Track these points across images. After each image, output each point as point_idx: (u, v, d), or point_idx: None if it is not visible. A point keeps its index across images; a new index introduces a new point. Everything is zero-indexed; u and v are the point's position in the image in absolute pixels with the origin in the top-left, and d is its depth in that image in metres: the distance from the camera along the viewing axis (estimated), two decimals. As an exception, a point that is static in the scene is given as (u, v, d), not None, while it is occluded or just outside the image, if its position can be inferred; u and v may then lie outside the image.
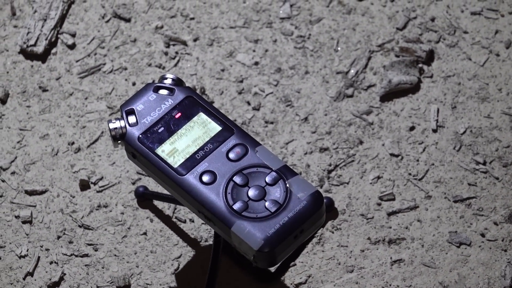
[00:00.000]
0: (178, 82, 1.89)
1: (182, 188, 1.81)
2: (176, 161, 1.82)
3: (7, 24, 2.29)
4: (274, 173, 1.81)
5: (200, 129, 1.86)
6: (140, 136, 1.84)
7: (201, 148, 1.83)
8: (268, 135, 2.19)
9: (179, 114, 1.86)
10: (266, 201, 1.78)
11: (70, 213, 2.14)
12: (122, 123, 1.84)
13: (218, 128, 1.85)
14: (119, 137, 1.84)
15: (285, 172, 1.81)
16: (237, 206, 1.78)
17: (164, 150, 1.83)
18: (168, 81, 1.89)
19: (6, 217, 2.13)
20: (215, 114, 1.86)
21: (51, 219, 2.13)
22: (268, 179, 1.80)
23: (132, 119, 1.85)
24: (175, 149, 1.84)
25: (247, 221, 1.77)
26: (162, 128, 1.85)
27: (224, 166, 1.82)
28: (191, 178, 1.81)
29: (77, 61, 2.26)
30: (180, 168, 1.82)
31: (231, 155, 1.82)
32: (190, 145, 1.84)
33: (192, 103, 1.87)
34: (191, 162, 1.82)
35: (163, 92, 1.88)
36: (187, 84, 1.90)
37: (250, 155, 1.82)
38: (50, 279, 2.08)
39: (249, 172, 1.82)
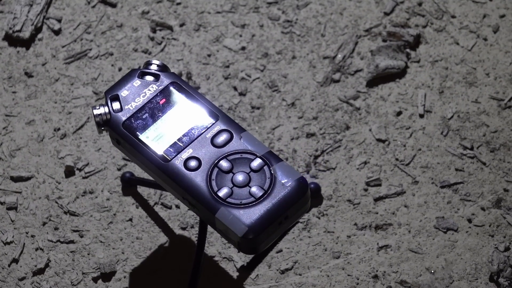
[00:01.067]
0: (163, 68, 1.90)
1: (167, 175, 1.82)
2: (160, 147, 1.83)
3: None
4: (259, 159, 1.82)
5: (184, 115, 1.86)
6: (125, 122, 1.85)
7: (186, 134, 1.84)
8: (254, 120, 2.19)
9: (164, 100, 1.87)
10: (250, 187, 1.80)
11: (56, 199, 2.15)
12: (106, 109, 1.84)
13: (203, 114, 1.86)
14: (104, 123, 1.85)
15: (270, 158, 1.81)
16: (221, 192, 1.79)
17: (148, 136, 1.84)
18: (153, 67, 1.90)
19: (-9, 204, 2.13)
20: (200, 100, 1.88)
21: (37, 206, 2.15)
22: (252, 165, 1.82)
23: (116, 105, 1.85)
24: (160, 135, 1.85)
25: (231, 208, 1.78)
26: (147, 114, 1.86)
27: (208, 152, 1.83)
28: (175, 164, 1.81)
29: (63, 47, 2.27)
30: (165, 154, 1.83)
31: (216, 141, 1.83)
32: (175, 131, 1.84)
33: (177, 89, 1.88)
34: (176, 148, 1.83)
35: (148, 78, 1.89)
36: (173, 70, 1.91)
37: (234, 141, 1.83)
38: (35, 266, 2.09)
39: (234, 158, 1.83)
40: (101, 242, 2.11)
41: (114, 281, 2.07)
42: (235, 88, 2.23)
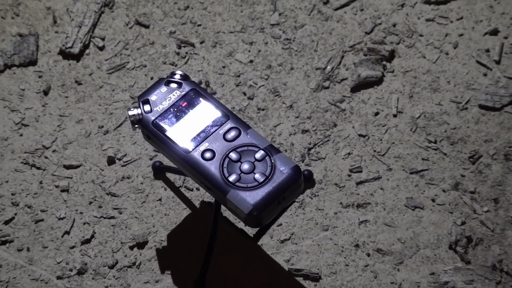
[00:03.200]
0: (185, 77, 1.90)
1: (188, 164, 1.82)
2: (182, 141, 1.83)
3: (50, 30, 2.29)
4: (261, 151, 1.81)
5: (202, 115, 1.86)
6: (154, 121, 1.85)
7: (203, 131, 1.84)
8: (260, 119, 2.19)
9: (185, 103, 1.87)
10: (255, 174, 1.79)
11: (100, 183, 2.14)
12: (139, 110, 1.85)
13: (216, 114, 1.86)
14: (137, 122, 1.85)
15: (271, 150, 1.82)
16: (231, 178, 1.79)
17: (173, 132, 1.84)
18: (177, 76, 1.89)
19: (48, 187, 2.13)
20: (215, 103, 1.87)
21: (84, 188, 2.14)
22: (256, 156, 1.81)
23: (147, 107, 1.86)
24: (182, 132, 1.84)
25: (239, 190, 1.78)
26: (171, 115, 1.86)
27: (221, 145, 1.82)
28: (194, 155, 1.81)
29: (106, 60, 2.26)
30: (186, 147, 1.82)
31: (227, 136, 1.83)
32: (194, 129, 1.85)
33: (196, 94, 1.88)
34: (195, 142, 1.83)
35: (173, 85, 1.88)
36: (194, 79, 1.91)
37: (242, 136, 1.83)
38: (83, 237, 2.08)
39: (242, 150, 1.82)
40: (136, 217, 2.10)
41: (146, 249, 2.06)
42: (244, 94, 2.22)
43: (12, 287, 2.03)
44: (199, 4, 2.32)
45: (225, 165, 1.81)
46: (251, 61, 2.27)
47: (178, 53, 2.28)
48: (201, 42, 2.29)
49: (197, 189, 2.13)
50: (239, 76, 2.25)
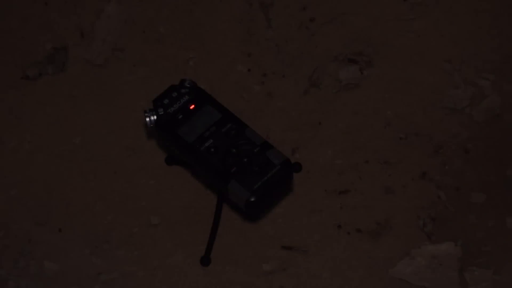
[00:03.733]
0: (193, 83, 1.90)
1: (195, 158, 1.84)
2: (190, 138, 1.84)
3: (78, 42, 2.28)
4: (258, 147, 1.82)
5: (207, 116, 1.87)
6: (166, 121, 1.86)
7: (207, 129, 1.84)
8: (257, 119, 2.18)
9: (193, 106, 1.87)
10: (252, 166, 1.80)
11: (122, 173, 2.14)
12: (153, 113, 1.86)
13: (219, 115, 1.86)
14: (152, 122, 1.86)
15: (265, 146, 1.83)
16: (232, 169, 1.80)
17: (182, 131, 1.85)
18: (185, 83, 1.90)
19: (77, 176, 2.14)
20: (218, 106, 1.88)
21: (108, 176, 2.14)
22: (254, 150, 1.81)
23: (160, 109, 1.86)
24: (190, 130, 1.85)
25: (239, 180, 1.79)
26: (181, 116, 1.86)
27: (223, 142, 1.83)
28: (200, 150, 1.82)
29: (125, 69, 2.25)
30: (193, 144, 1.83)
31: (228, 134, 1.84)
32: (200, 127, 1.85)
33: (202, 98, 1.89)
34: (201, 139, 1.83)
35: (182, 90, 1.89)
36: (199, 85, 1.91)
37: (241, 134, 1.84)
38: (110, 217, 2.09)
39: (241, 145, 1.82)
40: (150, 201, 2.10)
41: (160, 228, 2.07)
42: (243, 97, 2.22)
43: (47, 261, 2.03)
44: (206, 22, 2.32)
45: (226, 158, 1.82)
46: (249, 70, 2.26)
47: (187, 63, 2.27)
48: (207, 53, 2.28)
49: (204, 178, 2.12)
50: (238, 82, 2.24)
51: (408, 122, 2.18)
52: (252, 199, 1.79)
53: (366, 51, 2.27)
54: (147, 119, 1.87)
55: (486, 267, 2.01)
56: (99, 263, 2.04)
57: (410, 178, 2.12)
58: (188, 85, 1.90)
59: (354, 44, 2.28)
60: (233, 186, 1.80)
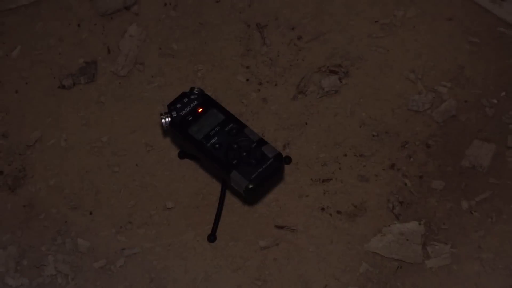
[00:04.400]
0: (200, 91, 1.90)
1: (202, 152, 1.84)
2: (198, 136, 1.84)
3: (105, 58, 2.28)
4: (254, 143, 1.83)
5: (212, 118, 1.87)
6: (178, 122, 1.86)
7: (213, 129, 1.85)
8: (254, 120, 2.19)
9: (201, 109, 1.88)
10: (250, 159, 1.80)
11: (143, 166, 2.14)
12: (168, 115, 1.86)
13: (223, 117, 1.87)
14: (166, 122, 1.87)
15: (261, 142, 1.83)
16: (233, 162, 1.80)
17: (192, 130, 1.85)
18: (194, 90, 1.90)
19: (106, 169, 2.14)
20: (221, 109, 1.88)
21: (130, 169, 2.14)
22: (251, 146, 1.82)
23: (173, 113, 1.87)
24: (198, 130, 1.85)
25: (239, 170, 1.79)
26: (191, 117, 1.87)
27: (226, 139, 1.83)
28: (207, 146, 1.83)
29: (144, 79, 2.26)
30: (201, 141, 1.83)
31: (230, 133, 1.84)
32: (207, 127, 1.86)
33: (208, 102, 1.89)
34: (207, 137, 1.84)
35: (192, 96, 1.89)
36: (206, 92, 1.91)
37: (241, 132, 1.84)
38: (131, 203, 2.09)
39: (241, 142, 1.83)
40: (166, 189, 2.10)
41: (174, 212, 2.06)
42: (242, 102, 2.21)
43: (80, 239, 2.03)
44: (212, 40, 2.32)
45: (229, 153, 1.82)
46: (247, 80, 2.25)
47: (196, 74, 2.26)
48: (212, 66, 2.26)
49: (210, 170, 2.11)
50: (239, 90, 2.23)
51: (379, 122, 2.18)
52: (250, 186, 1.80)
53: (344, 64, 2.27)
54: (163, 120, 1.88)
55: (445, 242, 2.01)
56: (123, 240, 2.04)
57: (381, 169, 2.12)
58: (197, 92, 1.91)
59: (334, 58, 2.28)
60: (234, 175, 1.81)
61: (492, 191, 2.08)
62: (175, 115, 1.88)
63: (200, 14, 2.34)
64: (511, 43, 2.27)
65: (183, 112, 1.88)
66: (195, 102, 1.90)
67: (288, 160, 2.11)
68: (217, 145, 1.84)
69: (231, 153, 1.83)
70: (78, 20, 2.34)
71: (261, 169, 1.81)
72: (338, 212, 2.07)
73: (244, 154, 1.82)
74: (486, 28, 2.29)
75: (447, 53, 2.27)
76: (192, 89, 1.91)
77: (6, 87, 2.25)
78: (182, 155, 2.13)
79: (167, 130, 1.92)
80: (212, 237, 2.03)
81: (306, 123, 2.19)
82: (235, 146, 1.83)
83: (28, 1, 2.35)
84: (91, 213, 2.07)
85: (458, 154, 2.13)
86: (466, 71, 2.24)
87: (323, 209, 2.07)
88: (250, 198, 1.95)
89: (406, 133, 2.17)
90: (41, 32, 2.32)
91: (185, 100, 1.90)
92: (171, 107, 1.89)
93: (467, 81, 2.23)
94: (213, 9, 2.35)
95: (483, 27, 2.30)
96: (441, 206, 2.06)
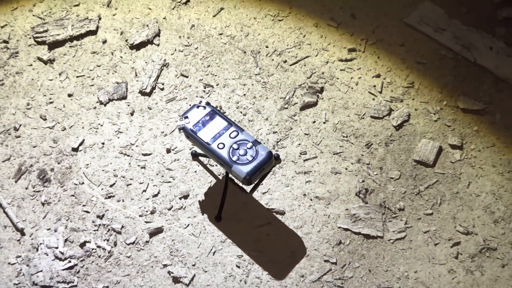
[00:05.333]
0: (207, 103, 1.91)
1: (210, 151, 1.85)
2: (206, 138, 1.84)
3: (133, 79, 2.28)
4: (250, 143, 1.83)
5: (217, 124, 1.87)
6: (190, 128, 1.86)
7: (218, 133, 1.85)
8: (250, 126, 2.18)
9: (208, 117, 1.88)
10: (247, 156, 1.80)
11: (162, 163, 2.13)
12: (182, 122, 1.86)
13: (225, 123, 1.87)
14: (181, 129, 1.87)
15: (255, 142, 1.84)
16: (234, 158, 1.81)
17: (201, 134, 1.85)
18: (203, 103, 1.90)
19: (134, 166, 2.12)
20: (224, 117, 1.88)
21: (154, 166, 2.13)
22: (248, 146, 1.83)
23: (186, 120, 1.87)
24: (206, 134, 1.85)
25: (238, 165, 1.80)
26: (200, 124, 1.87)
27: (228, 141, 1.83)
28: (213, 146, 1.83)
29: (165, 95, 2.25)
30: (208, 142, 1.84)
31: (231, 136, 1.84)
32: (213, 131, 1.85)
33: (214, 112, 1.89)
34: (213, 139, 1.84)
35: (201, 108, 1.89)
36: (212, 104, 1.91)
37: (239, 135, 1.85)
38: (153, 193, 2.08)
39: (239, 143, 1.84)
40: (182, 182, 2.09)
41: (188, 199, 2.06)
42: (241, 112, 2.21)
43: (114, 222, 2.03)
44: (216, 64, 2.31)
45: (230, 151, 1.82)
46: (244, 94, 2.25)
47: (204, 90, 2.26)
48: (217, 84, 2.27)
49: (216, 165, 2.12)
50: (238, 102, 2.23)
51: (348, 127, 2.19)
52: (247, 177, 1.80)
53: (320, 81, 2.27)
54: (178, 126, 1.88)
55: (400, 220, 2.02)
56: (148, 222, 2.04)
57: (350, 163, 2.12)
58: (205, 104, 1.91)
59: (312, 77, 2.28)
60: (235, 169, 1.81)
61: (437, 179, 2.08)
62: (188, 122, 1.88)
63: (207, 44, 2.34)
64: (450, 63, 2.28)
65: (194, 120, 1.88)
66: (204, 112, 1.90)
67: (277, 156, 2.10)
68: (221, 146, 1.84)
69: (232, 152, 1.83)
70: (111, 50, 2.34)
71: (256, 163, 1.81)
72: (317, 197, 2.07)
73: (242, 152, 1.82)
74: (431, 52, 2.30)
75: (400, 72, 2.28)
76: (201, 101, 1.92)
77: (56, 103, 2.24)
78: (194, 154, 2.12)
79: (182, 135, 1.92)
80: (218, 218, 2.03)
81: (291, 128, 2.19)
82: (235, 146, 1.83)
83: (75, 33, 2.35)
84: (123, 201, 2.07)
85: (410, 150, 2.14)
86: (416, 86, 2.25)
87: (304, 195, 2.07)
88: (247, 186, 1.94)
89: (369, 135, 2.17)
90: (83, 60, 2.32)
91: (195, 110, 1.90)
92: (184, 116, 1.89)
93: (416, 93, 2.24)
94: (217, 40, 2.35)
95: (428, 51, 2.30)
96: (397, 191, 2.07)
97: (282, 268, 1.96)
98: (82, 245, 2.00)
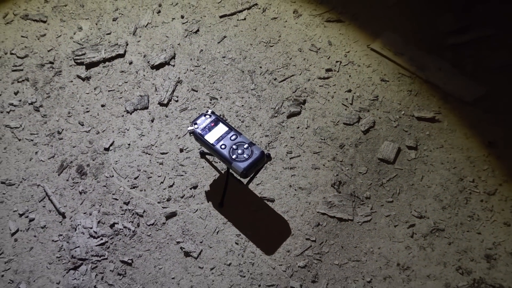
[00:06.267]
0: (213, 112, 1.90)
1: (214, 151, 1.84)
2: (211, 140, 1.83)
3: (153, 93, 2.27)
4: (247, 144, 1.82)
5: (220, 129, 1.86)
6: (199, 132, 1.85)
7: (221, 136, 1.84)
8: (246, 130, 2.16)
9: (213, 124, 1.87)
10: (244, 154, 1.79)
11: (176, 160, 2.11)
12: (192, 127, 1.85)
13: (226, 129, 1.86)
14: (191, 133, 1.85)
15: (251, 144, 1.84)
16: (233, 156, 1.80)
17: (208, 136, 1.85)
18: (208, 112, 1.89)
19: (153, 162, 2.10)
20: (226, 124, 1.88)
21: (169, 163, 2.10)
22: (244, 146, 1.82)
23: (195, 126, 1.86)
24: (212, 136, 1.85)
25: (237, 162, 1.79)
26: (207, 129, 1.86)
27: (229, 142, 1.83)
28: (217, 146, 1.82)
29: (179, 106, 2.24)
30: (213, 143, 1.82)
31: (231, 138, 1.83)
32: (216, 135, 1.85)
33: (218, 120, 1.89)
34: (217, 141, 1.83)
35: (207, 116, 1.88)
36: (216, 113, 1.90)
37: (238, 138, 1.84)
38: (169, 184, 2.05)
39: (238, 144, 1.82)
40: (192, 175, 2.07)
41: (197, 189, 2.05)
42: (240, 119, 2.19)
43: (138, 207, 2.02)
44: (219, 81, 2.30)
45: (230, 151, 1.82)
46: (242, 105, 2.23)
47: (210, 102, 2.24)
48: (220, 97, 2.25)
49: (219, 162, 2.11)
50: (237, 112, 2.21)
51: (325, 131, 2.18)
52: (244, 172, 1.79)
53: (303, 95, 2.26)
54: (189, 131, 1.86)
55: (367, 206, 2.01)
56: (165, 208, 2.03)
57: (327, 160, 2.11)
58: (210, 113, 1.89)
59: (297, 92, 2.27)
60: (234, 165, 1.80)
61: (396, 174, 2.07)
62: (197, 128, 1.86)
63: (213, 65, 2.34)
64: (407, 81, 2.27)
65: (202, 126, 1.87)
66: (209, 119, 1.88)
67: (268, 155, 2.10)
68: (223, 146, 1.82)
69: (232, 151, 1.81)
70: (136, 70, 2.32)
71: (251, 161, 1.80)
72: (300, 188, 2.06)
73: (240, 151, 1.81)
74: (391, 71, 2.29)
75: (367, 87, 2.27)
76: (207, 111, 1.91)
77: (91, 111, 2.23)
78: (202, 154, 2.12)
79: (192, 138, 1.91)
80: (221, 204, 2.02)
81: (280, 132, 2.18)
82: (234, 147, 1.82)
83: (107, 56, 2.34)
84: (145, 191, 2.06)
85: (375, 150, 2.12)
86: (380, 99, 2.24)
87: (290, 186, 2.06)
88: (244, 178, 1.93)
89: (342, 138, 2.16)
90: (113, 77, 2.31)
91: (203, 118, 1.89)
92: (194, 122, 1.87)
93: (380, 105, 2.23)
94: (221, 61, 2.34)
95: (390, 70, 2.29)
96: (364, 183, 2.05)
97: (272, 245, 1.95)
98: (112, 226, 1.98)
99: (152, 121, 2.21)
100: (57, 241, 1.96)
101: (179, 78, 2.32)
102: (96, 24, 2.39)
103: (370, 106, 2.23)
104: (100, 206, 2.03)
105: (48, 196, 2.04)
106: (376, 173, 2.08)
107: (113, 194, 2.05)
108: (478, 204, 1.99)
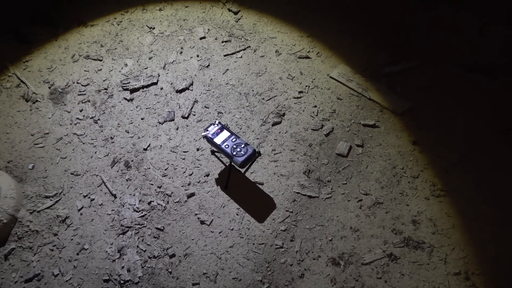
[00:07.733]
0: (219, 122, 1.89)
1: (221, 149, 1.83)
2: (219, 142, 1.82)
3: (178, 109, 2.22)
4: (243, 144, 1.81)
5: (224, 134, 1.85)
6: (209, 136, 1.83)
7: (225, 138, 1.83)
8: (243, 135, 2.13)
9: (219, 130, 1.85)
10: (241, 152, 1.77)
11: (195, 157, 2.08)
12: (205, 132, 1.84)
13: (229, 133, 1.85)
14: (204, 137, 1.84)
15: (246, 144, 1.83)
16: (234, 153, 1.79)
17: (216, 139, 1.83)
18: (216, 122, 1.89)
19: (178, 158, 2.10)
20: (229, 130, 1.86)
21: (188, 158, 2.08)
22: (242, 146, 1.80)
23: (207, 132, 1.84)
24: (219, 139, 1.83)
25: (236, 157, 1.78)
26: (215, 134, 1.84)
27: (230, 143, 1.82)
28: (222, 146, 1.81)
29: (196, 118, 2.22)
30: (220, 144, 1.81)
31: (232, 140, 1.82)
32: (222, 138, 1.84)
33: (223, 127, 1.87)
34: (222, 142, 1.82)
35: (215, 125, 1.87)
36: (222, 122, 1.88)
37: (237, 140, 1.83)
38: (189, 173, 2.04)
39: (237, 144, 1.82)
40: (205, 167, 2.04)
41: (209, 177, 2.03)
42: (239, 127, 2.17)
43: (167, 190, 1.99)
44: (224, 100, 2.27)
45: (232, 149, 1.80)
46: (240, 117, 2.18)
47: (217, 115, 2.19)
48: (224, 112, 2.19)
49: (224, 157, 2.05)
50: (236, 122, 2.16)
51: (299, 135, 2.15)
52: (241, 164, 1.78)
53: (283, 110, 2.23)
54: (203, 135, 1.85)
55: (328, 187, 2.00)
56: (186, 189, 2.02)
57: (300, 155, 2.10)
58: (218, 123, 1.88)
59: (278, 107, 2.23)
60: (234, 159, 1.80)
61: (349, 164, 2.07)
62: (208, 133, 1.85)
63: (219, 89, 2.32)
64: (355, 99, 2.27)
65: (212, 131, 1.85)
66: (217, 127, 1.87)
67: (259, 152, 2.09)
68: (227, 146, 1.80)
69: (233, 150, 1.80)
70: (165, 93, 2.31)
71: (247, 156, 1.79)
72: (281, 175, 2.04)
73: (238, 149, 1.79)
74: (345, 93, 2.29)
75: (328, 104, 2.26)
76: (215, 121, 1.89)
77: (134, 123, 2.21)
78: (212, 152, 2.10)
79: (205, 140, 1.88)
80: (225, 187, 2.01)
81: (267, 136, 2.14)
82: (234, 146, 1.80)
83: (145, 84, 2.32)
84: (172, 178, 2.05)
85: (333, 148, 2.12)
86: (336, 112, 2.23)
87: (274, 173, 2.04)
88: (242, 168, 1.92)
89: (311, 139, 2.14)
90: (149, 99, 2.29)
91: (212, 126, 1.87)
92: (206, 129, 1.86)
93: (337, 116, 2.22)
94: (224, 87, 2.33)
95: (343, 92, 2.29)
96: (326, 171, 2.05)
97: (262, 215, 1.95)
98: (149, 203, 1.97)
99: (177, 129, 2.19)
100: (110, 214, 1.95)
101: (195, 99, 2.30)
102: (137, 62, 2.37)
103: (330, 117, 2.22)
104: (141, 189, 2.02)
105: (104, 182, 2.03)
106: (335, 164, 2.07)
107: (150, 181, 2.04)
108: (406, 184, 1.98)
